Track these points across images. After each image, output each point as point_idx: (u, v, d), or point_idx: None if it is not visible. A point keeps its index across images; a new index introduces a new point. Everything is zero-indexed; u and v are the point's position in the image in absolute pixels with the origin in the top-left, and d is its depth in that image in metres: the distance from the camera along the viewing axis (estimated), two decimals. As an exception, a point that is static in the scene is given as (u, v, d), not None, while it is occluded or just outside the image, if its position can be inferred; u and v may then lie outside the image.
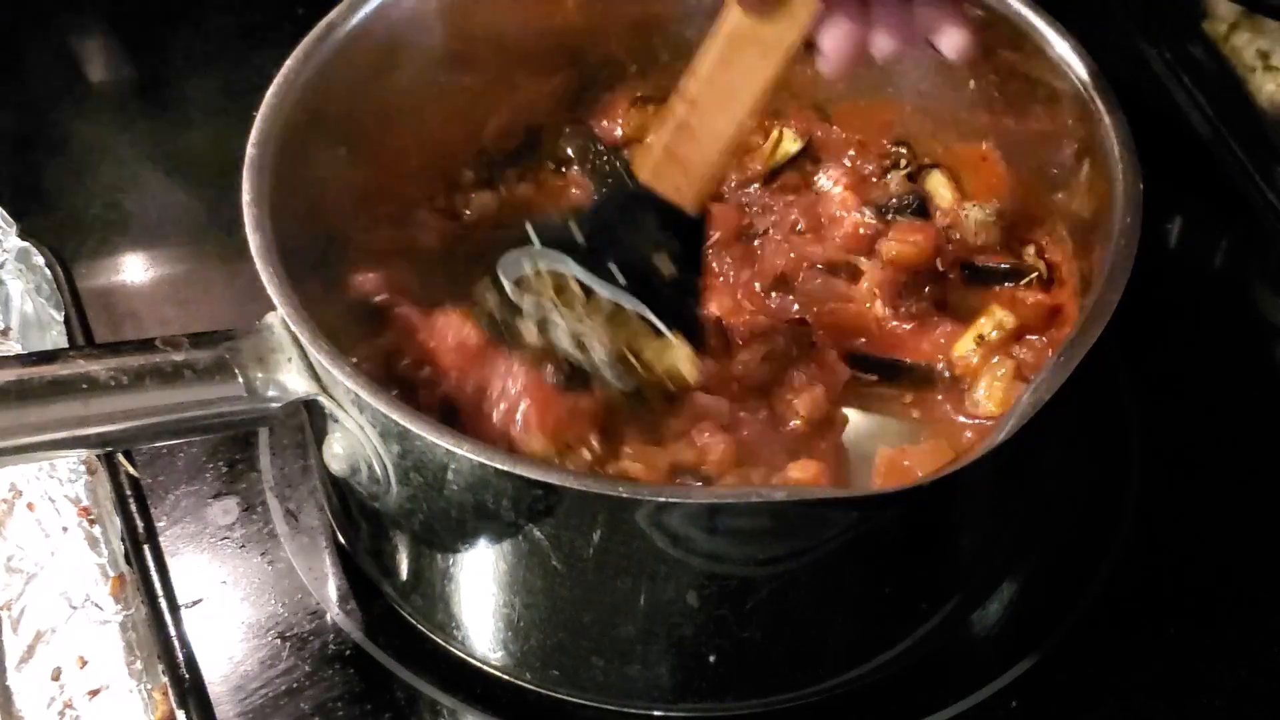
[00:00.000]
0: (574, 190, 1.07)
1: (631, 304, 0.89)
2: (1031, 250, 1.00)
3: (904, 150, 1.06)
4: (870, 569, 0.87)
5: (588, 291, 0.89)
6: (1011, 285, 0.98)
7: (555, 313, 0.89)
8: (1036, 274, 0.98)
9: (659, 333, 0.89)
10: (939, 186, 1.04)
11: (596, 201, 0.94)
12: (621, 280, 0.89)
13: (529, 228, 0.90)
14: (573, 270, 0.89)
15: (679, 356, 0.90)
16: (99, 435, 0.80)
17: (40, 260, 1.09)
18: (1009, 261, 0.99)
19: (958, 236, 1.02)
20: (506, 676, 0.92)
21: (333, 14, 0.95)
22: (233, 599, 0.97)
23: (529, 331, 0.89)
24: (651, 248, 0.89)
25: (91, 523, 0.98)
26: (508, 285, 0.90)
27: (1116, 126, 0.90)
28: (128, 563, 0.96)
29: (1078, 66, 0.93)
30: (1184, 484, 1.03)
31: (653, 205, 0.88)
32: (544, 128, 1.09)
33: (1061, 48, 0.94)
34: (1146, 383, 1.08)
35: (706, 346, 0.92)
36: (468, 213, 1.05)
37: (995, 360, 0.94)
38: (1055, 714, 0.93)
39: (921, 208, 1.03)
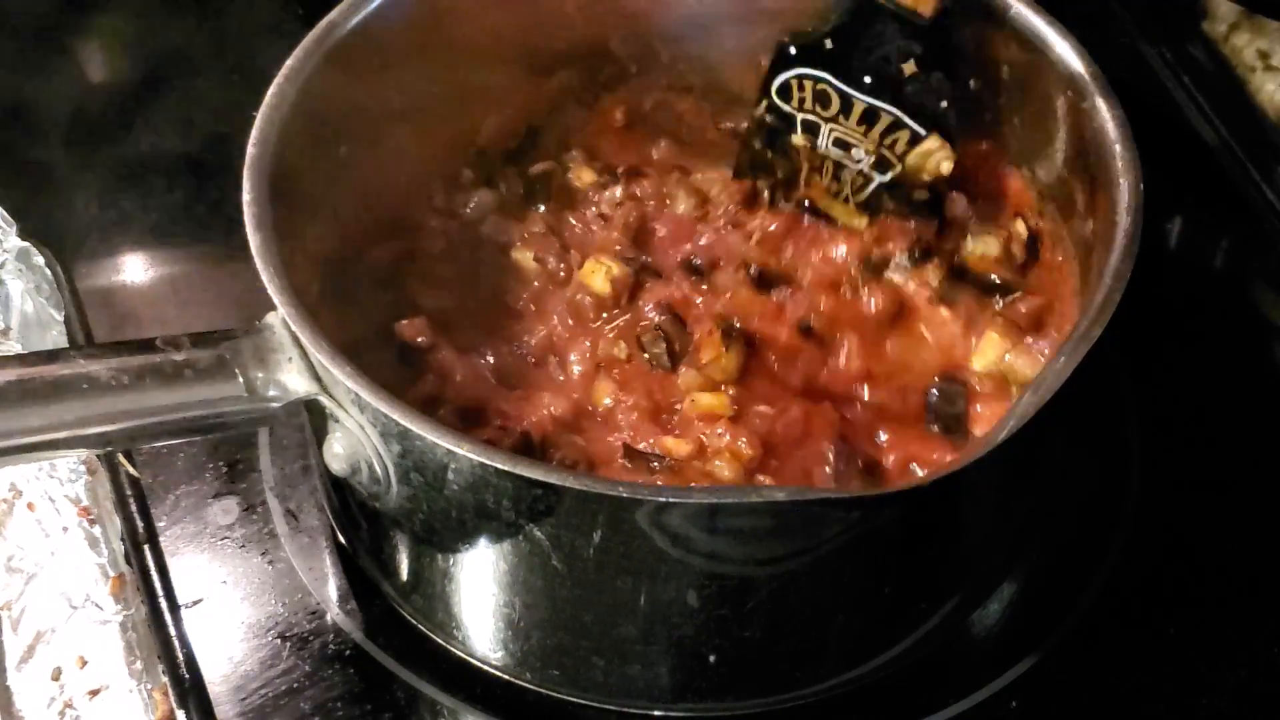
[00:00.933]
0: (576, 187, 1.08)
1: (885, 109, 0.96)
2: (1020, 224, 1.00)
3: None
4: (870, 569, 0.87)
5: (845, 104, 0.98)
6: (999, 299, 0.99)
7: (819, 119, 0.98)
8: (1020, 291, 0.99)
9: (914, 133, 0.97)
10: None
11: (839, 15, 0.98)
12: (871, 90, 0.97)
13: (785, 39, 0.99)
14: (830, 80, 0.97)
15: (932, 150, 0.96)
16: (99, 435, 0.79)
17: (40, 260, 1.09)
18: (1001, 275, 1.00)
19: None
20: (507, 676, 0.93)
21: (333, 14, 0.95)
22: (233, 599, 0.97)
23: (796, 137, 1.00)
24: (896, 54, 0.95)
25: (91, 523, 0.98)
26: (775, 91, 0.99)
27: (1117, 126, 0.90)
28: (128, 563, 0.96)
29: (1078, 66, 0.93)
30: (1184, 484, 1.03)
31: (891, 14, 0.94)
32: (544, 127, 1.09)
33: (1061, 48, 0.94)
34: (1147, 383, 1.08)
35: (956, 141, 0.98)
36: (467, 210, 1.05)
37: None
38: (1055, 714, 0.93)
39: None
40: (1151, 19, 1.31)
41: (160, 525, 1.00)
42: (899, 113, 0.97)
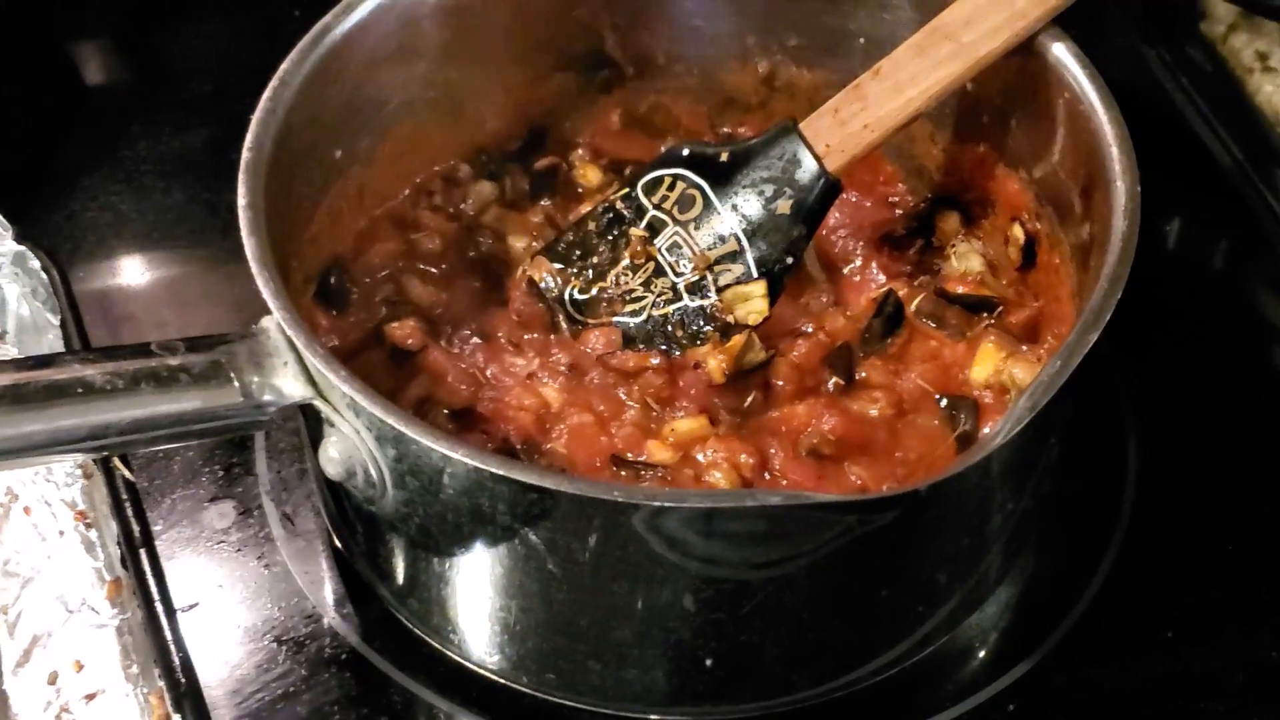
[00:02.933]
0: (580, 188, 1.08)
1: (738, 235, 0.96)
2: (1017, 228, 1.00)
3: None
4: (867, 572, 0.87)
5: (704, 215, 0.98)
6: (985, 315, 0.99)
7: (671, 220, 0.97)
8: (1002, 308, 0.98)
9: (746, 271, 0.97)
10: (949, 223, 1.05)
11: (752, 136, 0.99)
12: (735, 213, 0.97)
13: (682, 145, 1.00)
14: (705, 189, 0.97)
15: (750, 295, 0.96)
16: (94, 440, 0.79)
17: (36, 264, 1.09)
18: (981, 293, 0.99)
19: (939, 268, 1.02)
20: (503, 680, 0.92)
21: (327, 17, 0.95)
22: (229, 603, 0.97)
23: (636, 229, 0.99)
24: (779, 189, 0.96)
25: (88, 526, 0.98)
26: (642, 184, 1.00)
27: (1114, 128, 0.90)
28: (124, 566, 0.96)
29: (1075, 68, 0.93)
30: (1182, 485, 1.03)
31: (797, 152, 0.95)
32: (548, 127, 1.09)
33: (1060, 49, 0.94)
34: (1144, 384, 1.07)
35: (775, 301, 0.97)
36: (465, 204, 1.05)
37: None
38: (1053, 716, 0.93)
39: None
40: (1149, 20, 1.31)
41: (156, 529, 1.00)
42: (747, 245, 0.97)
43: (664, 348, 0.97)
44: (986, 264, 1.01)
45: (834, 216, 1.03)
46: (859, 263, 1.03)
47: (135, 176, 1.22)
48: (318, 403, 0.82)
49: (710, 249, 0.98)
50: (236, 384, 0.81)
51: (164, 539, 0.99)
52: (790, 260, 0.97)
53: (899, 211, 1.07)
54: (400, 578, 0.93)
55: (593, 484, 0.80)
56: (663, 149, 1.02)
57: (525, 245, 1.03)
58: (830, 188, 0.96)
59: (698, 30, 1.07)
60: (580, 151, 1.09)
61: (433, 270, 1.01)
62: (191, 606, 0.96)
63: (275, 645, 0.95)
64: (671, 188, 0.99)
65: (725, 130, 1.10)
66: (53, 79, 1.30)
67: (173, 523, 1.00)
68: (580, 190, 1.07)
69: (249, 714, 0.92)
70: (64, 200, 1.20)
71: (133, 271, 1.17)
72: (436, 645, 0.94)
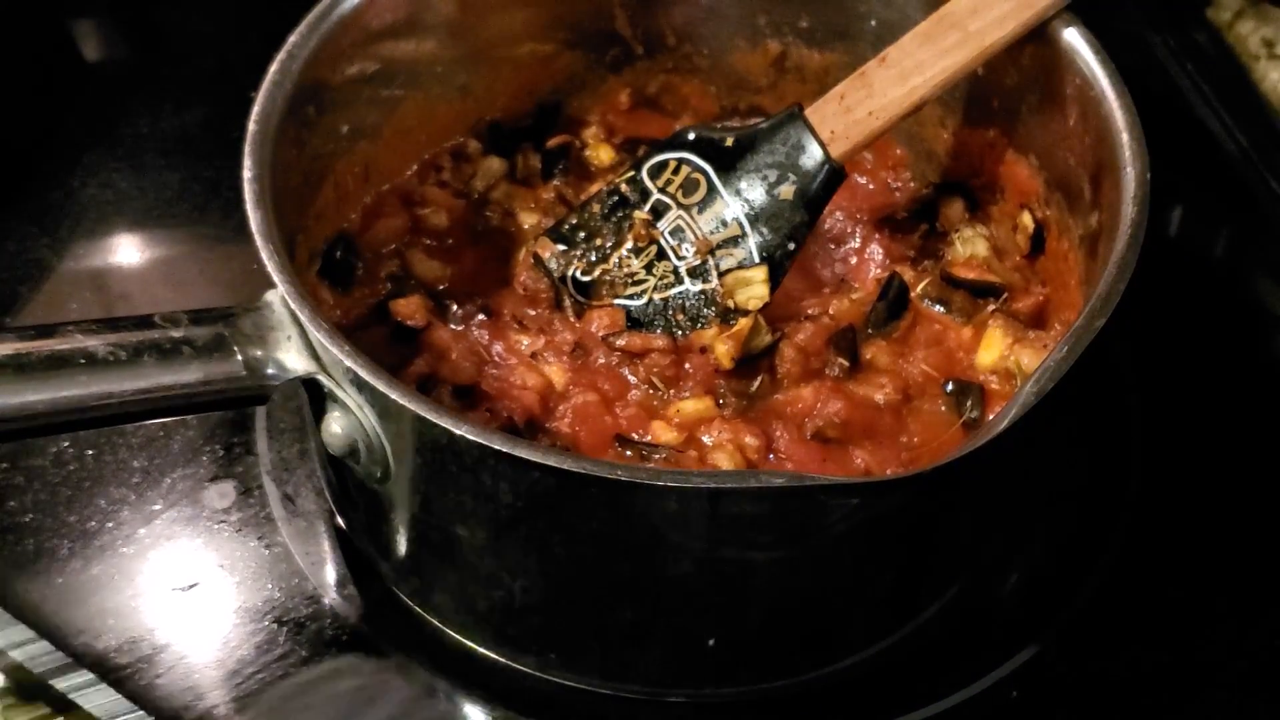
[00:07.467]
0: (592, 167, 1.07)
1: (741, 220, 0.97)
2: (1026, 215, 1.00)
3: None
4: (871, 556, 0.87)
5: (708, 199, 0.98)
6: (991, 300, 0.98)
7: (675, 204, 0.97)
8: (1007, 294, 0.98)
9: (749, 255, 0.97)
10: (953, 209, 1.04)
11: (757, 121, 1.00)
12: (739, 198, 0.97)
13: (688, 129, 1.00)
14: (709, 173, 0.97)
15: (752, 280, 0.96)
16: (96, 411, 0.79)
17: None
18: (987, 279, 0.99)
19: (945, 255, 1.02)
20: (504, 660, 0.92)
21: (335, -9, 0.94)
22: (229, 583, 0.97)
23: (640, 212, 0.99)
24: (783, 175, 0.96)
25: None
26: (647, 168, 1.00)
27: (1124, 114, 0.89)
28: None
29: (1087, 53, 0.92)
30: (1185, 474, 1.03)
31: (802, 138, 0.96)
32: (560, 104, 1.09)
33: (1071, 34, 0.93)
34: (1147, 372, 1.07)
35: (775, 287, 0.97)
36: (474, 180, 1.05)
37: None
38: (1055, 704, 0.93)
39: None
40: (1156, 6, 1.31)
41: (156, 509, 0.99)
42: (749, 230, 0.97)
43: (665, 330, 0.97)
44: (992, 249, 1.01)
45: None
46: (857, 243, 1.03)
47: (135, 154, 1.21)
48: (320, 377, 0.82)
49: (713, 233, 0.98)
50: (239, 357, 0.81)
51: (164, 518, 0.99)
52: (792, 246, 0.97)
53: (898, 194, 1.06)
54: (402, 556, 0.92)
55: (597, 463, 0.80)
56: (676, 128, 1.02)
57: (535, 222, 1.03)
58: (834, 174, 0.96)
59: (708, 10, 1.07)
60: (593, 129, 1.09)
61: (439, 246, 1.01)
62: (191, 586, 0.96)
63: (275, 626, 0.94)
64: (676, 171, 0.99)
65: (734, 108, 1.09)
66: (53, 56, 1.29)
67: (172, 502, 1.00)
68: (593, 169, 1.07)
69: (248, 695, 0.91)
70: (63, 178, 1.19)
71: (131, 250, 1.17)
72: (438, 625, 0.93)
